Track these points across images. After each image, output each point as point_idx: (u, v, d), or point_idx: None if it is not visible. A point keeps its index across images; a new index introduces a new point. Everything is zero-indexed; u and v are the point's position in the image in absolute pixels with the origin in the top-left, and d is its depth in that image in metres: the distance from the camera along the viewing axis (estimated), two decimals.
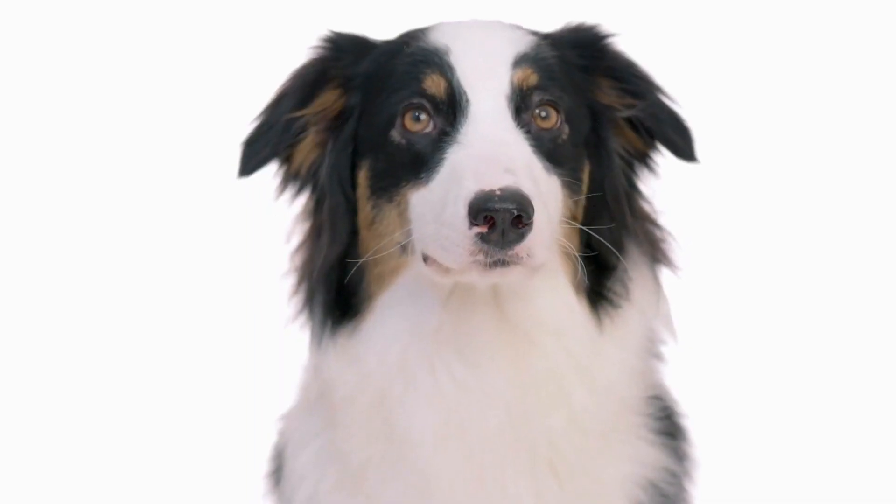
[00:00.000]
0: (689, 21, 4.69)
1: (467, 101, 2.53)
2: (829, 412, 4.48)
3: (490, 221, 2.32)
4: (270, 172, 2.78)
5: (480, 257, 2.37)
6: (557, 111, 2.60)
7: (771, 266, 4.62)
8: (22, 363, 4.64)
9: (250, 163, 2.71)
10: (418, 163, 2.54)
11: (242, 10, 4.72)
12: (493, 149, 2.45)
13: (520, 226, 2.34)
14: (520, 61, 2.58)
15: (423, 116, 2.56)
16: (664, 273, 2.79)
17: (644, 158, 2.78)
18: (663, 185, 2.82)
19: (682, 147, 2.72)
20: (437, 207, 2.44)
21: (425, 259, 2.50)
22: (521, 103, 2.56)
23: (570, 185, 2.61)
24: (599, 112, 2.71)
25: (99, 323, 4.65)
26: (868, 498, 4.33)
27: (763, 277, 4.61)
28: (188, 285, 4.61)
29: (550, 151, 2.57)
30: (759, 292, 4.60)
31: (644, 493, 2.77)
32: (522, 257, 2.37)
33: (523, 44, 2.63)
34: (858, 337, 4.60)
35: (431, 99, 2.56)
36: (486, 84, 2.55)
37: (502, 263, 2.38)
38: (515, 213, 2.32)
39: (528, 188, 2.36)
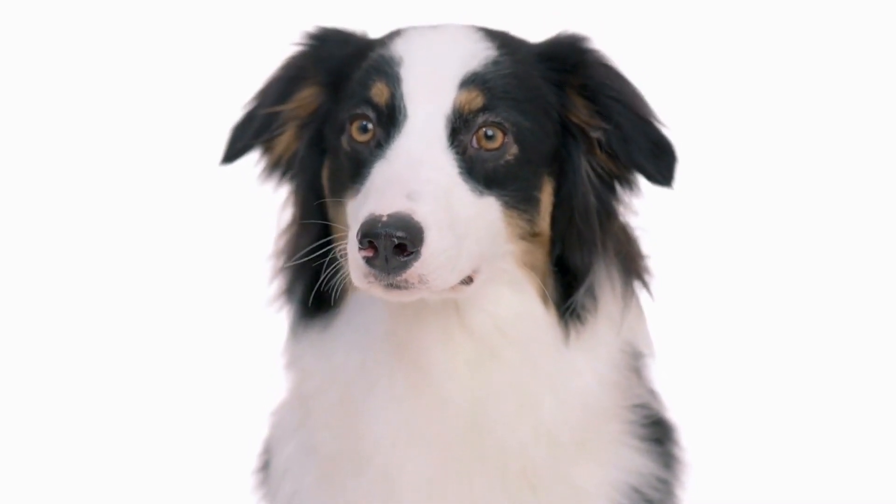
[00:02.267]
0: (681, 26, 4.65)
1: (405, 115, 2.51)
2: (821, 416, 4.46)
3: (374, 247, 2.32)
4: (255, 160, 2.83)
5: (372, 279, 2.37)
6: (504, 132, 2.54)
7: (760, 272, 4.62)
8: (11, 353, 4.68)
9: (232, 151, 2.76)
10: (357, 172, 2.54)
11: (247, 11, 4.76)
12: (404, 170, 2.43)
13: (403, 254, 2.32)
14: (467, 82, 2.53)
15: (370, 126, 2.55)
16: (639, 289, 2.75)
17: (621, 179, 2.70)
18: (647, 199, 2.75)
19: (654, 174, 2.62)
20: (354, 222, 2.44)
21: None
22: (461, 125, 2.52)
23: (519, 206, 2.56)
24: (570, 130, 2.65)
25: (92, 315, 4.69)
26: (860, 500, 4.30)
27: (752, 284, 4.60)
28: (183, 281, 4.65)
29: (489, 172, 2.52)
30: (749, 298, 4.59)
31: (626, 499, 2.75)
32: (413, 283, 2.36)
33: (477, 61, 2.56)
34: (850, 341, 4.58)
35: (375, 107, 2.55)
36: (427, 101, 2.51)
37: (396, 287, 2.37)
38: (396, 241, 2.31)
39: (423, 215, 2.34)
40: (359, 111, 2.56)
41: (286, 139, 2.76)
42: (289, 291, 2.77)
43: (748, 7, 4.74)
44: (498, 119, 2.54)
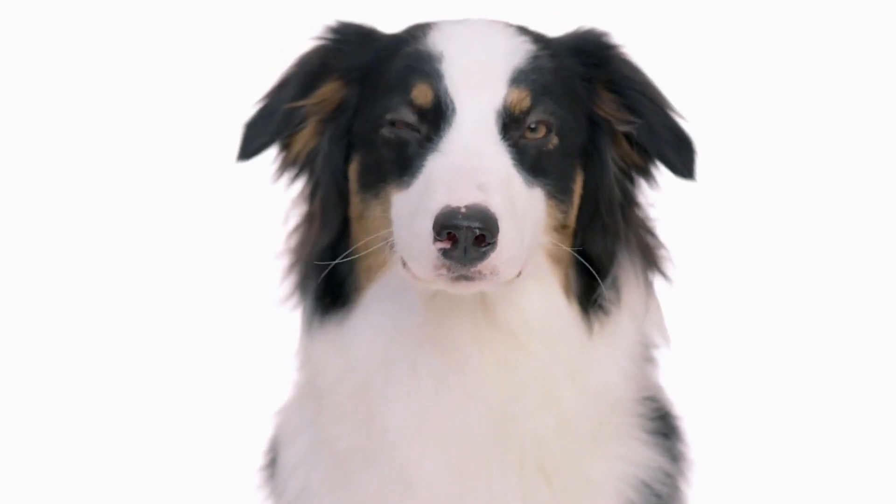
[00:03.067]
0: (697, 26, 4.67)
1: (453, 109, 2.52)
2: (824, 412, 4.46)
3: (452, 238, 2.33)
4: (269, 157, 2.79)
5: (444, 271, 2.37)
6: (548, 127, 2.58)
7: (763, 267, 4.60)
8: (12, 353, 4.64)
9: (249, 147, 2.72)
10: (403, 164, 2.54)
11: (247, 10, 4.73)
12: (468, 162, 2.44)
13: (482, 245, 2.33)
14: (516, 80, 2.56)
15: (411, 122, 2.55)
16: (657, 280, 2.78)
17: (642, 171, 2.76)
18: (663, 192, 2.80)
19: (679, 166, 2.68)
20: (410, 214, 2.44)
21: (403, 263, 2.50)
22: (511, 121, 2.55)
23: (558, 195, 2.60)
24: (597, 123, 2.69)
25: (94, 313, 4.65)
26: (864, 497, 4.31)
27: (756, 278, 4.59)
28: (185, 279, 4.61)
29: (535, 162, 2.56)
30: (752, 293, 4.58)
31: (636, 493, 2.76)
32: (486, 274, 2.37)
33: (520, 56, 2.60)
34: (853, 338, 4.57)
35: (418, 109, 2.55)
36: (476, 96, 2.53)
37: (466, 278, 2.38)
38: (478, 232, 2.32)
39: (497, 206, 2.36)
40: (399, 114, 2.57)
41: (305, 135, 2.74)
42: (302, 288, 2.76)
43: (747, 6, 4.77)
44: (544, 116, 2.58)
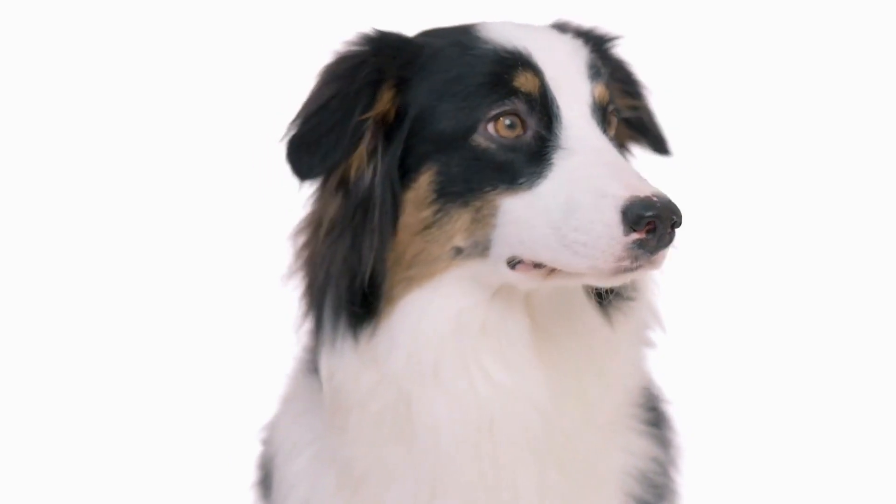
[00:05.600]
0: (695, 26, 4.73)
1: (557, 105, 2.50)
2: (812, 401, 4.53)
3: (650, 227, 2.32)
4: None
5: (626, 262, 2.36)
6: (616, 118, 2.64)
7: (751, 257, 4.69)
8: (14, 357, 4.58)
9: (313, 168, 2.58)
10: (513, 168, 2.47)
11: (248, 10, 4.67)
12: (613, 156, 2.44)
13: (673, 231, 2.35)
14: (595, 75, 2.57)
15: (517, 122, 2.50)
16: None
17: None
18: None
19: (668, 143, 2.79)
20: (554, 213, 2.40)
21: (513, 264, 2.47)
22: (601, 115, 2.56)
23: None
24: None
25: (92, 320, 4.60)
26: (856, 487, 4.38)
27: (744, 268, 4.68)
28: (186, 283, 4.54)
29: None
30: (740, 281, 4.66)
31: (637, 485, 2.79)
32: (659, 262, 2.39)
33: (584, 52, 2.61)
34: (847, 337, 4.66)
35: (526, 97, 2.49)
36: (573, 92, 2.51)
37: (631, 270, 2.38)
38: (675, 219, 2.34)
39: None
40: (507, 105, 2.50)
41: (363, 148, 2.59)
42: (319, 305, 2.65)
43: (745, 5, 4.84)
44: (616, 108, 2.64)
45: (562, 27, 2.77)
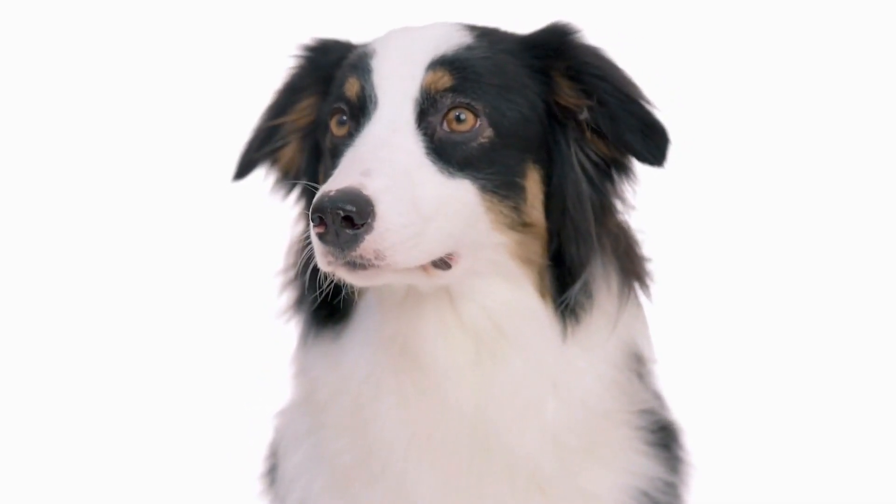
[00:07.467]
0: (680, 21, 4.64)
1: (375, 104, 2.51)
2: (824, 418, 4.47)
3: (326, 223, 2.31)
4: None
5: (330, 258, 2.35)
6: (476, 114, 2.52)
7: (764, 273, 4.61)
8: (16, 357, 4.67)
9: (240, 166, 2.80)
10: (333, 165, 2.52)
11: (242, 12, 4.74)
12: (365, 152, 2.42)
13: (353, 227, 2.30)
14: (434, 64, 2.52)
15: (345, 119, 2.56)
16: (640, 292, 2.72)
17: (619, 165, 2.66)
18: (650, 192, 2.73)
19: (645, 153, 2.56)
20: None
21: None
22: (428, 106, 2.51)
23: (499, 190, 2.52)
24: (558, 116, 2.61)
25: (96, 319, 4.68)
26: (857, 488, 4.32)
27: (757, 285, 4.60)
28: (186, 282, 4.64)
29: (461, 154, 2.50)
30: (753, 300, 4.58)
31: (635, 503, 2.75)
32: (370, 259, 2.33)
33: (448, 45, 2.56)
34: (850, 342, 4.58)
35: (348, 101, 2.56)
36: (396, 86, 2.52)
37: (359, 266, 2.34)
38: (342, 213, 2.28)
39: (374, 189, 2.31)
40: (335, 107, 2.59)
41: (290, 151, 2.79)
42: (298, 302, 2.76)
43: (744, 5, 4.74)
44: (467, 100, 2.53)
45: (473, 27, 2.66)
